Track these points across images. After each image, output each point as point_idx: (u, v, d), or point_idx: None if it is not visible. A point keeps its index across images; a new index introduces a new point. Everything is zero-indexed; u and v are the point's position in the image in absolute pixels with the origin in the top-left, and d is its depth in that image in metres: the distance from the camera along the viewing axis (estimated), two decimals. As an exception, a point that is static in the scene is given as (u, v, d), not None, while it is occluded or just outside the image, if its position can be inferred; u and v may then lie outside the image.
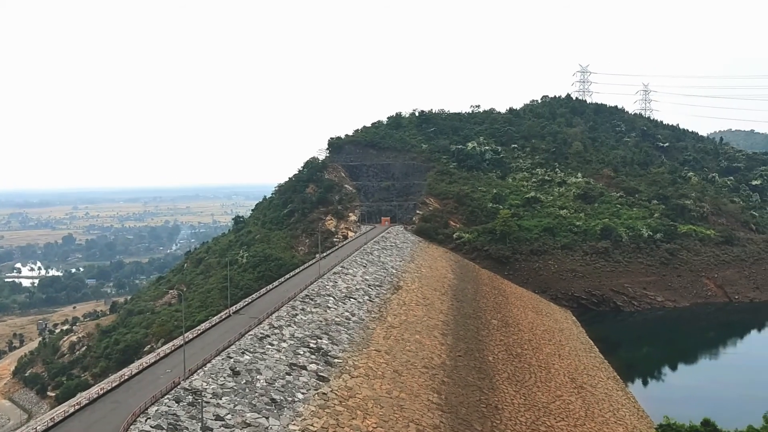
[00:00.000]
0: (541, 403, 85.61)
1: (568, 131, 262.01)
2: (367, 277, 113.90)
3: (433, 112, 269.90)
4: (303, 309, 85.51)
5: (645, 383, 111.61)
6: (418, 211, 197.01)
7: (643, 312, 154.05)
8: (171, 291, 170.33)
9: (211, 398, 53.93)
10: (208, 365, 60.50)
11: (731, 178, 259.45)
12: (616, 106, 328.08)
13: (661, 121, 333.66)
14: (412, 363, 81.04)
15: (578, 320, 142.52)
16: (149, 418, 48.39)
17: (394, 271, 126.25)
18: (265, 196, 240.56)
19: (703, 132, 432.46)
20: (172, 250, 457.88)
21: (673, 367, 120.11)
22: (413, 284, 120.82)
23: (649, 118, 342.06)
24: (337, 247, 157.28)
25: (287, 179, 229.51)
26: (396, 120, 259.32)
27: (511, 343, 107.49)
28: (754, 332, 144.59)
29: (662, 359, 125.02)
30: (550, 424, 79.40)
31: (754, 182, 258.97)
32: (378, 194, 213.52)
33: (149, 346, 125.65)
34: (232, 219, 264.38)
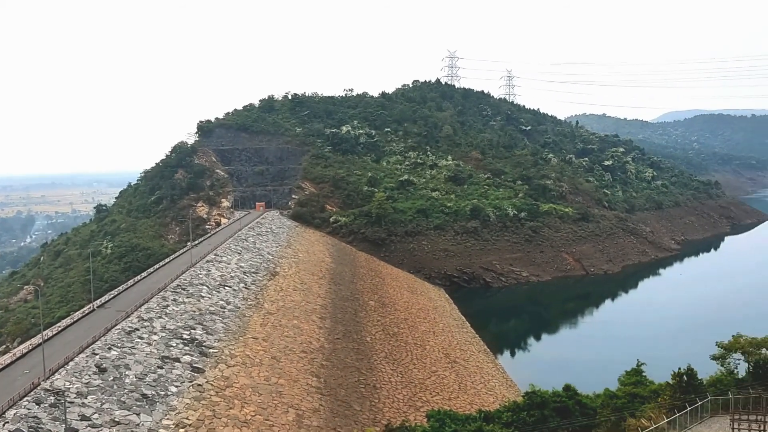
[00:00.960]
0: (418, 379, 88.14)
1: (438, 115, 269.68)
2: (243, 264, 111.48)
3: (307, 95, 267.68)
4: (175, 300, 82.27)
5: (513, 354, 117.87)
6: (294, 196, 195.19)
7: (511, 287, 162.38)
8: (27, 286, 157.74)
9: (75, 398, 50.68)
10: (71, 364, 56.76)
11: (586, 159, 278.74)
12: (482, 91, 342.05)
13: (524, 106, 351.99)
14: (290, 348, 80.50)
15: (451, 297, 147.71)
16: (7, 422, 44.81)
17: (271, 257, 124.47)
18: (129, 183, 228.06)
19: (561, 116, 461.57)
20: (26, 243, 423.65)
21: (538, 338, 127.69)
22: (290, 269, 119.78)
23: (512, 102, 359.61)
24: (209, 234, 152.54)
25: (154, 165, 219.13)
26: (268, 103, 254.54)
27: (388, 323, 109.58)
28: (608, 302, 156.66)
29: (528, 331, 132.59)
30: (426, 399, 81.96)
31: (606, 162, 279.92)
32: (252, 179, 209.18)
33: (4, 346, 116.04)
34: (94, 208, 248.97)
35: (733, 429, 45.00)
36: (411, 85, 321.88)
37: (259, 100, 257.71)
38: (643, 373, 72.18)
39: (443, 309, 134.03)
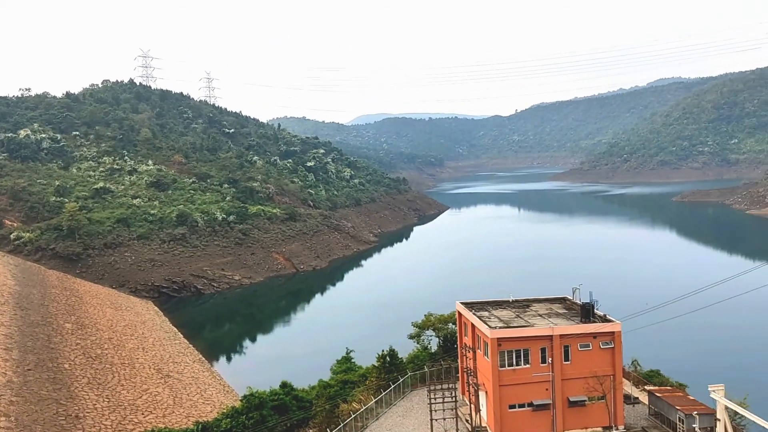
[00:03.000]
0: (127, 401, 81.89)
1: (135, 118, 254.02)
2: None
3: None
4: None
5: (229, 360, 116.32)
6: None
7: (224, 292, 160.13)
8: None
9: None
10: None
11: (290, 160, 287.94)
12: (182, 93, 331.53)
13: (226, 108, 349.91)
14: (-35, 391, 68.42)
15: (161, 309, 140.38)
16: None
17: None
18: None
19: (264, 118, 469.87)
20: None
21: (253, 340, 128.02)
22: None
23: (214, 105, 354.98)
24: None
25: None
26: None
27: (90, 345, 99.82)
28: (318, 296, 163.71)
29: (243, 334, 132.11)
30: (139, 420, 76.56)
31: (309, 164, 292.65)
32: None
33: None
34: None
35: (429, 399, 50.14)
36: (101, 86, 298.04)
37: None
38: (353, 360, 76.90)
39: (152, 323, 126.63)
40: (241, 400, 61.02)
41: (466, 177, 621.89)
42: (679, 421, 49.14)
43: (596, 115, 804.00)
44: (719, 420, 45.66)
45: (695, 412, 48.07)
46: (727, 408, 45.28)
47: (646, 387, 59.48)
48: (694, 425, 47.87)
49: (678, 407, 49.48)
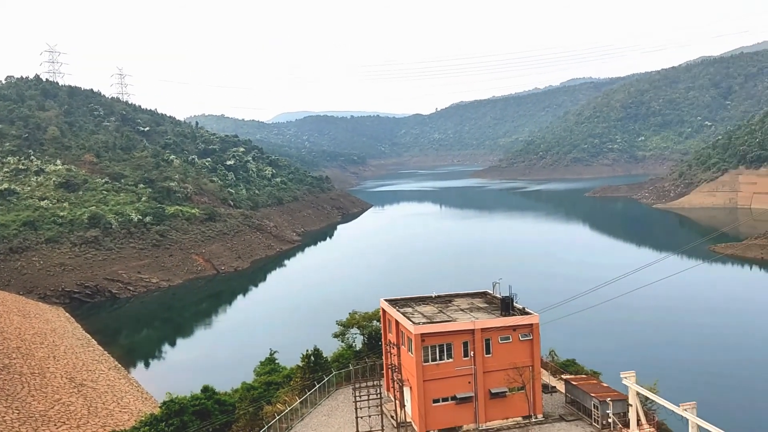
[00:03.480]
0: (38, 412, 77.91)
1: (41, 115, 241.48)
2: None
3: None
4: None
5: (147, 366, 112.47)
6: None
7: (141, 296, 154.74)
8: None
9: None
10: None
11: (209, 159, 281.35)
12: (92, 90, 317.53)
13: (140, 106, 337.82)
14: None
15: (72, 316, 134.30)
16: None
17: None
18: None
19: (181, 116, 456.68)
20: None
21: (173, 344, 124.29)
22: None
23: (127, 102, 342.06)
24: None
25: None
26: None
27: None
28: (240, 297, 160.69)
29: (162, 339, 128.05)
30: (51, 431, 72.97)
31: (229, 162, 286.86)
32: None
33: None
34: None
35: (355, 397, 50.13)
36: (5, 82, 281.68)
37: None
38: (277, 361, 76.02)
39: (64, 330, 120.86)
40: (160, 407, 59.08)
41: (389, 175, 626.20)
42: (594, 408, 51.19)
43: (513, 114, 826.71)
44: (631, 405, 47.88)
45: (609, 399, 50.21)
46: (638, 393, 47.55)
47: (562, 376, 61.64)
48: (607, 411, 49.99)
49: (593, 394, 51.53)
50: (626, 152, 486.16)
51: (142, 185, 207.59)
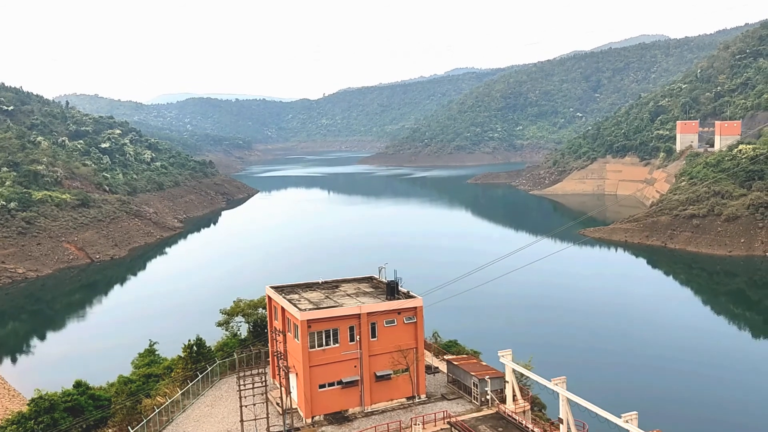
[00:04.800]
0: None
1: None
2: None
3: None
4: None
5: (14, 361, 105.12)
6: None
7: (5, 287, 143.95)
8: None
9: None
10: None
11: (81, 141, 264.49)
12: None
13: (3, 83, 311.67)
14: None
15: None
16: None
17: None
18: None
19: (50, 95, 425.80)
20: None
21: (43, 338, 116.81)
22: None
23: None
24: None
25: None
26: None
27: None
28: (117, 287, 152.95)
29: (30, 332, 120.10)
30: None
31: (103, 145, 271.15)
32: None
33: None
34: None
35: (239, 385, 49.34)
36: None
37: None
38: (157, 352, 73.31)
39: None
40: (28, 404, 55.41)
41: (276, 160, 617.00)
42: (474, 386, 53.41)
43: (399, 102, 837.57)
44: (508, 382, 50.38)
45: (487, 377, 52.55)
46: (514, 371, 50.10)
47: (445, 357, 63.76)
48: (486, 389, 52.33)
49: (472, 373, 53.72)
50: (506, 141, 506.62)
51: (5, 169, 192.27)
